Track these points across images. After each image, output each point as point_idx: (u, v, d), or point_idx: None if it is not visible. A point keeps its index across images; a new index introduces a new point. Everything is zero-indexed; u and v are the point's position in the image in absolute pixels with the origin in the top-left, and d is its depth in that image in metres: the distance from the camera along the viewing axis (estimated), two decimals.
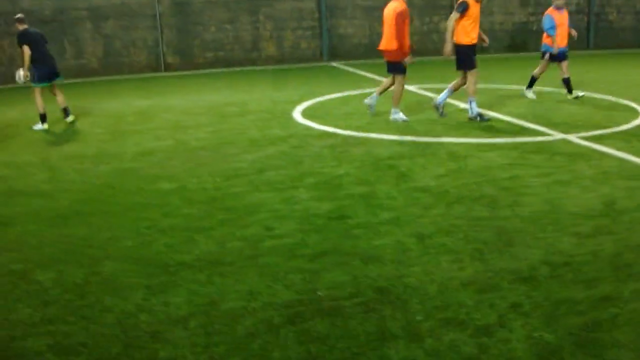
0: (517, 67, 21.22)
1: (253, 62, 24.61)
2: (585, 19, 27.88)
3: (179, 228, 6.80)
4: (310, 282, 5.32)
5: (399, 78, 12.32)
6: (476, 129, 11.35)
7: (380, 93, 12.90)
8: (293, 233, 6.47)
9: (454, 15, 11.90)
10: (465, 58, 12.09)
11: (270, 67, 23.79)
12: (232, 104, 15.21)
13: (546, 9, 14.94)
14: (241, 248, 6.15)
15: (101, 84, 20.85)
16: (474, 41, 12.07)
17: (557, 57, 14.41)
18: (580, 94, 14.58)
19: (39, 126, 12.91)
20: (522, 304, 4.79)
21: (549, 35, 14.44)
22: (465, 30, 11.96)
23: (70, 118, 13.34)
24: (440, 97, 12.60)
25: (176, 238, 6.51)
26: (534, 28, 27.78)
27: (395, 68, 12.28)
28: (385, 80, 12.85)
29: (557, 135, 10.65)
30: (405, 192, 7.69)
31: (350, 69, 22.13)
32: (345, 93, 16.25)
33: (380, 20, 24.21)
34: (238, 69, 23.63)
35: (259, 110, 14.13)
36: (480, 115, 12.10)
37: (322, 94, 16.02)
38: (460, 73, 12.34)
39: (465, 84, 12.30)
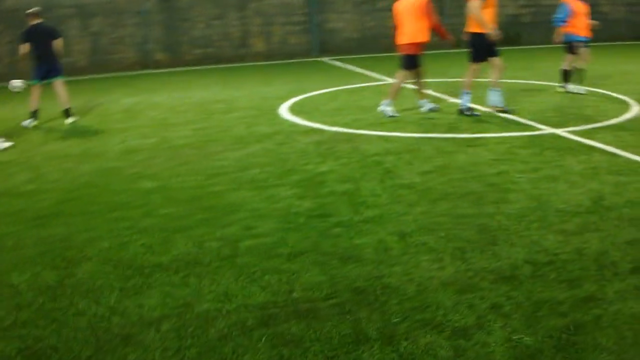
0: (509, 60, 21.07)
1: (242, 59, 24.53)
2: None
3: (158, 228, 6.69)
4: (287, 282, 5.22)
5: (403, 73, 12.40)
6: (464, 124, 11.26)
7: (421, 94, 12.81)
8: (273, 232, 6.37)
9: (477, 4, 11.57)
10: (478, 48, 11.92)
11: (259, 63, 23.73)
12: (219, 100, 15.12)
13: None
14: (219, 248, 6.05)
15: (89, 82, 20.75)
16: (487, 31, 11.77)
17: (571, 48, 14.34)
18: (571, 87, 14.51)
19: (27, 122, 12.81)
20: (502, 305, 4.69)
21: (556, 26, 14.37)
22: (488, 17, 11.71)
23: (69, 120, 13.17)
24: (491, 102, 12.31)
25: (154, 238, 6.40)
26: (527, 20, 27.73)
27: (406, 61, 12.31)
28: (413, 81, 12.80)
29: (547, 130, 10.56)
30: (389, 190, 7.59)
31: (340, 64, 22.06)
32: (334, 89, 16.17)
33: (371, 13, 23.79)
34: (226, 65, 23.56)
35: (246, 107, 14.04)
36: (470, 109, 12.02)
37: (311, 90, 15.94)
38: (490, 65, 12.13)
39: (500, 71, 12.12)
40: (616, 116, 11.54)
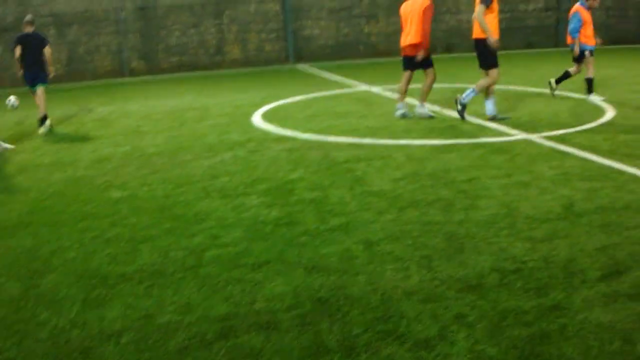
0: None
1: (217, 66, 24.41)
2: (555, 16, 27.88)
3: (124, 238, 6.59)
4: (250, 293, 5.12)
5: (430, 71, 12.42)
6: (437, 130, 11.19)
7: (403, 95, 12.80)
8: (238, 242, 6.27)
9: (481, 9, 11.50)
10: (487, 54, 11.82)
11: (234, 71, 23.60)
12: (193, 108, 15.00)
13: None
14: (183, 258, 5.95)
15: (64, 91, 20.52)
16: (497, 36, 11.73)
17: (579, 58, 14.25)
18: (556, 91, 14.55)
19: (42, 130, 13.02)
20: (466, 315, 4.60)
21: (573, 38, 14.21)
22: (491, 24, 11.66)
23: (42, 130, 13.01)
24: (488, 111, 12.14)
25: (120, 248, 6.30)
26: (503, 26, 27.74)
27: (424, 62, 12.35)
28: (403, 80, 12.76)
29: (520, 135, 10.51)
30: (358, 197, 7.50)
31: (315, 71, 21.97)
32: (309, 96, 16.07)
33: (346, 20, 23.85)
34: (202, 73, 23.41)
35: (220, 114, 13.92)
36: (464, 109, 11.92)
37: (285, 97, 15.83)
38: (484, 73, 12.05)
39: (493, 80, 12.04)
40: (590, 121, 11.50)
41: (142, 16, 23.90)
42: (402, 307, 4.74)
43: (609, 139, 10.08)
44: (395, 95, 12.94)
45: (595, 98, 13.87)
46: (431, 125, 11.66)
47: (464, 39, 26.78)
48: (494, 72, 11.84)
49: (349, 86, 17.73)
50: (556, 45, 26.81)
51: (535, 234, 6.18)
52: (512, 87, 15.82)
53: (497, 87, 14.50)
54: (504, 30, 28.01)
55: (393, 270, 5.41)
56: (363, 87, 17.38)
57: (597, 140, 10.00)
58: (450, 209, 6.95)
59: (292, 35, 25.44)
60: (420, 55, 12.18)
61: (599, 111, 12.46)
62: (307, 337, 4.40)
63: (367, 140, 10.53)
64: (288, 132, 11.45)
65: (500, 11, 27.83)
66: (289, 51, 25.47)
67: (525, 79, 17.29)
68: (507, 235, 6.16)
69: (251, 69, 23.85)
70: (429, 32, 12.26)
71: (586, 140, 9.98)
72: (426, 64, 12.41)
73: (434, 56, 12.76)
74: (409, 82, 12.70)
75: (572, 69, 14.44)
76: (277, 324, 4.61)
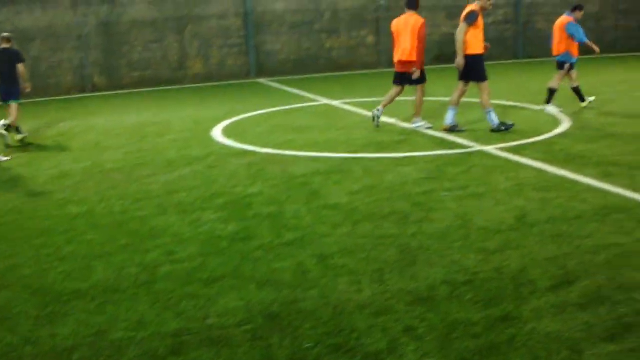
0: (444, 78, 21.24)
1: (180, 81, 24.28)
2: (514, 28, 28.11)
3: (80, 255, 6.52)
4: (203, 309, 5.09)
5: (420, 87, 12.56)
6: (395, 143, 11.23)
7: (385, 105, 12.98)
8: (193, 257, 6.23)
9: (464, 26, 11.81)
10: (479, 69, 12.05)
11: (196, 85, 23.49)
12: (154, 123, 14.89)
13: None
14: (138, 274, 5.90)
15: (26, 107, 20.27)
16: (483, 51, 12.04)
17: (571, 67, 14.37)
18: (591, 98, 14.53)
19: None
20: (416, 327, 4.61)
21: (580, 43, 14.20)
22: (477, 39, 11.95)
23: (19, 137, 13.00)
24: (448, 120, 12.24)
25: (75, 265, 6.24)
26: None
27: (416, 78, 12.45)
28: (392, 92, 12.98)
29: (476, 147, 10.59)
30: (314, 211, 7.49)
31: (277, 86, 21.93)
32: (270, 110, 16.04)
33: (308, 35, 23.92)
34: (164, 87, 23.24)
35: (181, 129, 13.84)
36: (503, 124, 11.98)
37: (246, 112, 15.76)
38: (460, 84, 12.30)
39: (463, 94, 12.33)
40: (545, 132, 11.61)
41: (105, 32, 23.73)
42: (353, 321, 4.74)
43: (563, 149, 10.19)
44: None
45: (552, 109, 13.98)
46: (390, 139, 11.70)
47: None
48: (484, 85, 12.15)
49: (309, 100, 17.73)
50: (515, 58, 27.06)
51: (488, 245, 6.22)
52: (470, 100, 15.91)
53: (465, 99, 14.61)
54: None
55: (345, 284, 5.41)
56: (324, 101, 17.40)
57: (552, 151, 10.11)
58: (405, 222, 6.97)
59: (254, 50, 25.41)
60: (415, 74, 12.31)
61: (555, 122, 12.58)
62: (257, 352, 4.38)
63: (325, 155, 10.54)
64: (248, 147, 11.42)
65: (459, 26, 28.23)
66: (251, 66, 25.42)
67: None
68: (459, 247, 6.19)
69: (213, 83, 23.74)
70: (423, 50, 12.45)
71: (541, 151, 10.08)
72: (416, 80, 12.51)
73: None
74: (396, 97, 12.97)
75: (572, 82, 14.54)
76: (228, 339, 4.58)
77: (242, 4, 25.17)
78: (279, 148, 11.18)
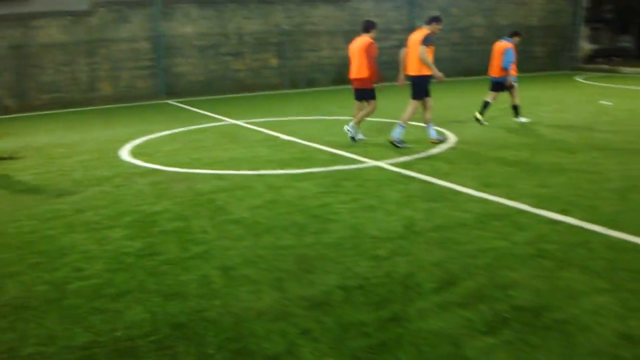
0: (343, 98, 21.58)
1: (90, 102, 24.01)
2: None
3: None
4: (110, 322, 5.09)
5: (372, 102, 13.12)
6: (296, 160, 11.37)
7: (358, 122, 13.30)
8: (101, 273, 6.19)
9: (424, 48, 12.31)
10: (426, 87, 12.66)
11: (106, 107, 23.23)
12: (62, 145, 14.68)
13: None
14: (47, 291, 5.83)
15: None
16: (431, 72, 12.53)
17: (505, 87, 15.30)
18: (524, 120, 15.36)
19: None
20: (312, 330, 4.73)
21: (505, 70, 15.10)
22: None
23: None
24: (395, 134, 12.56)
25: None
26: None
27: (367, 94, 13.14)
28: (356, 109, 13.51)
29: (371, 163, 10.82)
30: (218, 226, 7.55)
31: (185, 106, 21.89)
32: (177, 130, 16.01)
33: (215, 57, 24.09)
34: (74, 109, 22.93)
35: (89, 150, 13.69)
36: (404, 142, 12.48)
37: (154, 132, 15.71)
38: (422, 103, 12.81)
39: (409, 112, 12.75)
40: (434, 147, 11.96)
41: (16, 55, 23.28)
42: (253, 327, 4.83)
43: (449, 163, 10.52)
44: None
45: (523, 119, 15.25)
46: (291, 156, 11.84)
47: (324, 74, 27.35)
48: (429, 101, 12.82)
49: (216, 120, 17.75)
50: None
51: (379, 252, 6.39)
52: (369, 119, 16.20)
53: (369, 119, 14.89)
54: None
55: (247, 293, 5.50)
56: (229, 120, 17.46)
57: (438, 165, 10.42)
58: (303, 233, 7.09)
59: (163, 72, 25.32)
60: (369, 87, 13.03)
61: (443, 138, 12.94)
62: None
63: (230, 172, 10.59)
64: (155, 166, 11.38)
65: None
66: (160, 87, 25.33)
67: (385, 111, 17.69)
68: (353, 255, 6.35)
69: (123, 105, 23.54)
70: (375, 67, 12.95)
71: (429, 165, 10.38)
72: (369, 96, 13.15)
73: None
74: (360, 109, 13.46)
75: (489, 97, 15.51)
76: (135, 349, 4.61)
77: (152, 28, 25.07)
78: (185, 167, 11.19)
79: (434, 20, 12.69)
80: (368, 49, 12.89)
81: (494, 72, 15.37)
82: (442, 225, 7.20)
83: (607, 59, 42.69)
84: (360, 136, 13.31)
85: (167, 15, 25.26)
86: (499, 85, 15.29)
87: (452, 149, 11.90)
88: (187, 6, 25.64)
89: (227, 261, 6.31)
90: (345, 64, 28.08)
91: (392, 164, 10.59)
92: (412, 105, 12.75)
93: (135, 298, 5.55)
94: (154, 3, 24.90)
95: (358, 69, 13.07)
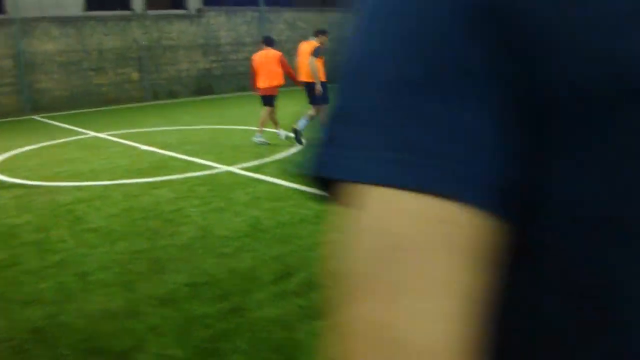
0: (203, 108, 21.63)
1: None
2: None
3: None
4: None
5: (322, 107, 13.01)
6: (153, 169, 11.37)
7: (261, 128, 13.52)
8: None
9: (314, 59, 12.67)
10: (324, 92, 12.85)
11: None
12: None
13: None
14: None
15: None
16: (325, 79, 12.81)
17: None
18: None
19: None
20: (160, 326, 4.86)
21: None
22: (320, 70, 12.72)
23: None
24: (299, 125, 13.02)
25: None
26: (218, 73, 28.52)
27: (268, 100, 13.62)
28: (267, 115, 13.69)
29: (223, 168, 10.98)
30: (76, 235, 7.52)
31: (50, 121, 21.24)
32: (41, 144, 15.58)
33: (77, 73, 23.84)
34: None
35: None
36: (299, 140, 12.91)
37: (19, 147, 15.22)
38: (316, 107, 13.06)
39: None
40: (283, 152, 12.25)
41: None
42: (104, 326, 4.92)
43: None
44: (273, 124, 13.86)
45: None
46: (149, 165, 11.81)
47: (183, 86, 27.26)
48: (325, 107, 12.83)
49: (79, 134, 17.38)
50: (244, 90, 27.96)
51: (225, 250, 6.59)
52: (224, 127, 16.37)
53: (215, 126, 15.01)
54: (218, 77, 28.94)
55: (101, 296, 5.57)
56: (92, 134, 17.15)
57: (285, 167, 10.70)
58: (156, 237, 7.19)
59: (26, 88, 24.54)
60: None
61: (292, 142, 13.23)
62: None
63: (89, 183, 10.48)
64: (18, 180, 11.08)
65: (214, 60, 28.72)
66: (25, 103, 24.52)
67: (236, 119, 17.87)
68: (201, 254, 6.52)
69: None
70: (294, 74, 13.57)
71: (276, 169, 10.64)
72: (268, 102, 13.59)
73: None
74: (272, 114, 13.71)
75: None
76: None
77: (14, 45, 24.29)
78: (48, 180, 10.97)
79: (321, 32, 13.30)
80: (282, 60, 13.50)
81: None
82: (285, 223, 7.46)
83: None
84: (261, 139, 13.44)
85: (27, 34, 24.49)
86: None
87: (299, 153, 12.21)
88: (47, 24, 24.94)
89: (83, 267, 6.33)
90: (204, 75, 28.23)
91: (243, 169, 10.79)
92: (313, 110, 13.14)
93: None
94: (13, 22, 24.08)
95: (270, 78, 13.47)
